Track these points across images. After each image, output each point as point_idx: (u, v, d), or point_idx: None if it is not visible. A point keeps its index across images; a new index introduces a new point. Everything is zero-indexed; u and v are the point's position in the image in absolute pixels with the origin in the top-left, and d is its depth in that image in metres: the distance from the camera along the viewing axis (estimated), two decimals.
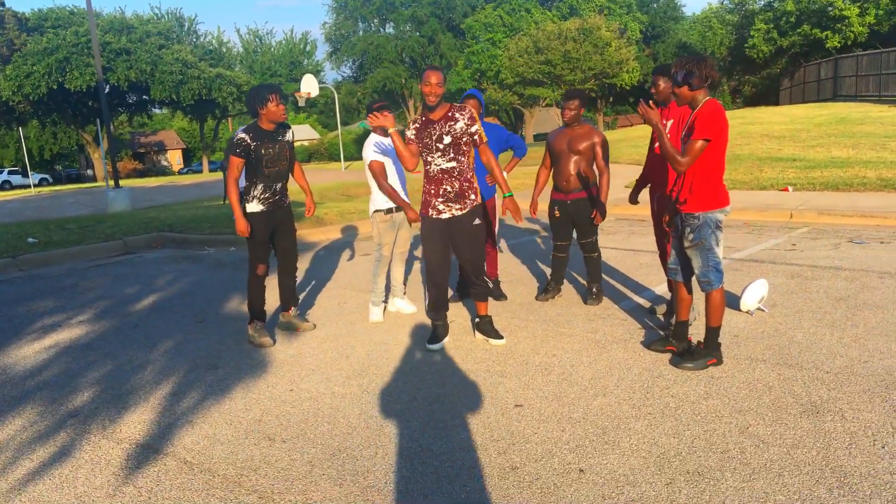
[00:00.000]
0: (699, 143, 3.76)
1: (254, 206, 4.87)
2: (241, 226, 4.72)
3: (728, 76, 48.78)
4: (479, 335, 4.84)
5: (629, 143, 22.28)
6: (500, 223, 6.48)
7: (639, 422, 3.40)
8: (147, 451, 3.38)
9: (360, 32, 48.53)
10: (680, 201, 4.01)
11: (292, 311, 5.30)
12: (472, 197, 4.54)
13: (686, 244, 4.03)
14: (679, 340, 4.29)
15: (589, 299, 5.55)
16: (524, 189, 13.40)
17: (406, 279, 5.91)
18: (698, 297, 5.12)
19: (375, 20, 48.37)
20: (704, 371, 4.00)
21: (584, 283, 5.62)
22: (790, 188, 11.18)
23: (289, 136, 4.94)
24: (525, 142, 5.86)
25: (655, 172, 4.93)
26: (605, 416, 3.48)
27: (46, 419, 3.84)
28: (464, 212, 4.52)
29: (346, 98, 52.39)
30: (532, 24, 39.16)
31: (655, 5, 51.29)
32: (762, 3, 40.35)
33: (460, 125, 4.40)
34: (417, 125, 4.52)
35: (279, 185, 4.92)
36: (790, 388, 3.68)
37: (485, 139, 4.47)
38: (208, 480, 3.05)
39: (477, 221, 4.56)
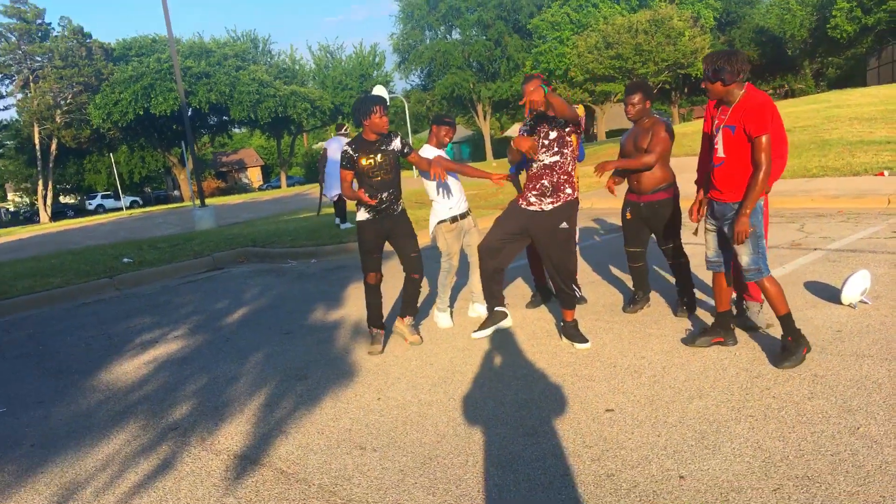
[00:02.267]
0: (765, 139, 3.72)
1: (361, 215, 4.92)
2: (365, 197, 4.70)
3: (810, 59, 46.70)
4: (563, 339, 4.76)
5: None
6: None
7: (740, 424, 3.25)
8: (245, 462, 3.46)
9: (427, 41, 48.93)
10: (728, 192, 3.92)
11: (407, 319, 5.19)
12: (569, 191, 4.52)
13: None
14: (725, 330, 4.26)
15: (679, 311, 5.11)
16: (596, 188, 13.15)
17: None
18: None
19: (442, 27, 48.66)
20: (807, 370, 3.79)
21: (676, 287, 5.19)
22: (886, 172, 10.54)
23: (395, 145, 4.86)
24: (583, 147, 5.64)
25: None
26: (702, 420, 3.34)
27: (148, 433, 4.00)
28: (555, 205, 4.50)
29: (416, 106, 52.97)
30: (601, 20, 38.51)
31: None
32: None
33: (561, 121, 4.43)
34: (526, 127, 4.59)
35: (385, 194, 4.84)
36: None
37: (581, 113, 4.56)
38: (304, 490, 3.10)
39: (564, 225, 4.50)
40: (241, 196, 41.13)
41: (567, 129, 4.44)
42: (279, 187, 51.89)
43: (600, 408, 3.63)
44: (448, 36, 49.49)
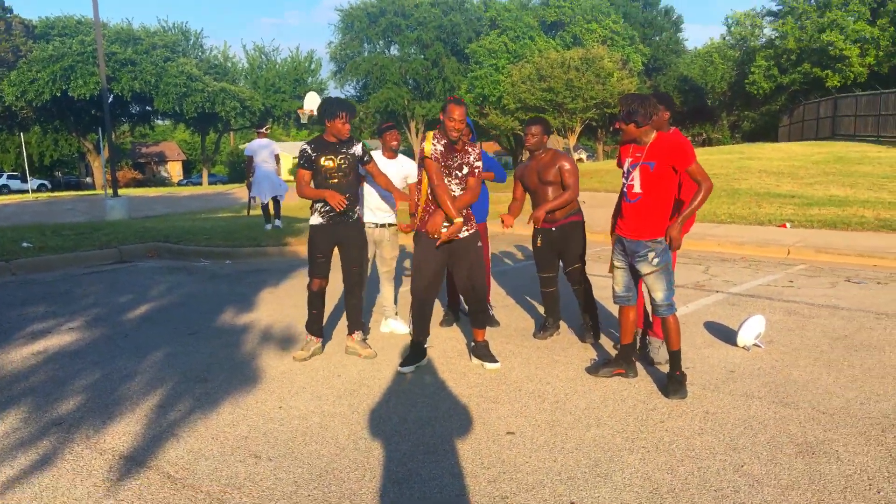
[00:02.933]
0: (695, 165, 3.96)
1: (315, 219, 4.83)
2: (328, 194, 4.57)
3: (728, 111, 49.20)
4: (474, 360, 4.79)
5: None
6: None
7: (632, 455, 3.34)
8: (130, 464, 3.31)
9: (366, 53, 48.80)
10: (643, 228, 4.08)
11: (356, 335, 5.05)
12: (473, 221, 4.64)
13: (649, 269, 4.09)
14: (627, 363, 4.43)
15: (586, 336, 5.26)
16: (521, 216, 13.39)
17: (396, 299, 5.85)
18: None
19: (381, 41, 48.61)
20: (699, 406, 3.95)
21: (579, 312, 5.37)
22: (788, 224, 11.20)
23: (355, 150, 4.80)
24: (503, 170, 5.79)
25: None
26: (598, 448, 3.43)
27: (30, 426, 3.77)
28: (470, 232, 4.57)
29: None
30: (536, 52, 39.47)
31: (658, 38, 51.82)
32: (763, 40, 40.81)
33: (472, 158, 4.57)
34: (441, 146, 4.50)
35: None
36: (786, 428, 3.63)
37: (476, 177, 4.60)
38: (191, 496, 2.98)
39: (479, 244, 4.59)
40: (159, 189, 39.67)
41: (472, 172, 4.56)
42: (200, 184, 50.33)
43: (501, 430, 3.66)
44: (387, 51, 49.54)
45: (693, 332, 5.50)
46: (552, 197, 5.06)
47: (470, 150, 4.56)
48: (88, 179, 53.87)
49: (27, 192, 37.12)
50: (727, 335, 5.37)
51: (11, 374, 4.68)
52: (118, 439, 3.59)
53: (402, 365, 4.66)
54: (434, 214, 4.49)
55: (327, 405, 4.04)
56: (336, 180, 4.74)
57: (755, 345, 5.05)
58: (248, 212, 14.83)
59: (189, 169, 68.40)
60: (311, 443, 3.53)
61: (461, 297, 5.91)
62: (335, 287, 5.73)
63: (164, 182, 59.93)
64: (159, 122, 56.90)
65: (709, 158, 24.00)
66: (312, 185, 4.78)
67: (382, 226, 5.36)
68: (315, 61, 54.05)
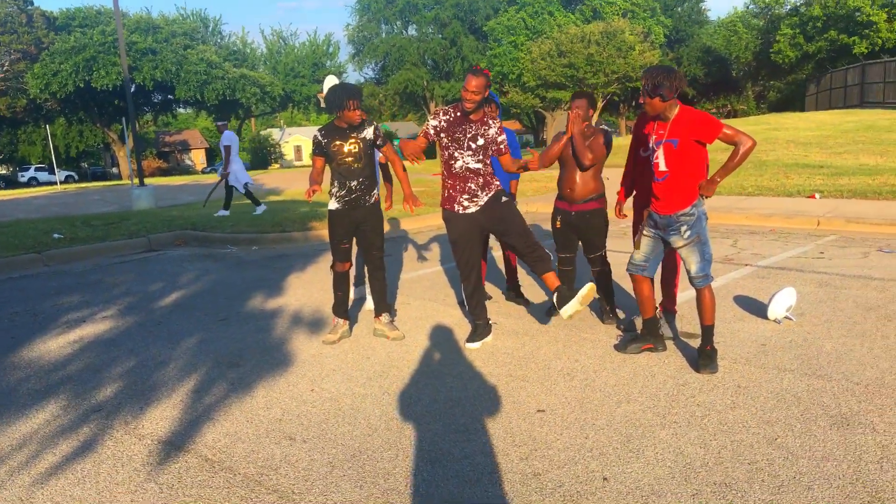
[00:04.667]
0: (727, 129, 3.87)
1: (332, 204, 4.87)
2: (309, 190, 4.55)
3: (753, 81, 48.31)
4: (566, 309, 4.37)
5: None
6: None
7: (664, 430, 3.34)
8: (169, 448, 3.38)
9: (383, 34, 48.61)
10: (673, 204, 4.04)
11: (383, 317, 5.09)
12: (494, 183, 4.62)
13: (682, 242, 4.05)
14: (655, 337, 4.41)
15: (605, 318, 5.21)
16: (543, 193, 13.33)
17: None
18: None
19: (398, 22, 48.38)
20: (731, 380, 3.94)
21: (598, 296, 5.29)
22: (817, 195, 11.02)
23: (366, 134, 4.77)
24: (519, 151, 5.75)
25: (644, 177, 4.74)
26: (629, 424, 3.43)
27: (70, 413, 3.86)
28: (490, 195, 4.57)
29: (368, 100, 52.51)
30: (555, 27, 39.00)
31: (680, 9, 50.86)
32: (788, 7, 39.96)
33: (493, 131, 4.53)
34: (450, 118, 4.48)
35: (355, 183, 4.77)
36: (819, 400, 3.60)
37: (507, 150, 4.55)
38: (229, 479, 3.05)
39: (505, 198, 4.59)
40: (184, 178, 40.04)
41: (492, 147, 4.54)
42: None
43: (532, 408, 3.68)
44: (404, 31, 49.29)
45: (723, 306, 5.46)
46: (578, 175, 4.93)
47: (491, 122, 4.51)
48: (114, 170, 54.56)
49: (55, 183, 37.72)
50: (758, 308, 5.32)
51: (50, 363, 4.79)
52: (156, 424, 3.67)
53: (468, 341, 4.74)
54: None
55: (358, 387, 4.09)
56: (348, 164, 4.76)
57: (786, 317, 5.00)
58: (205, 203, 14.58)
59: (212, 156, 68.95)
60: (343, 424, 3.58)
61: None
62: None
63: (188, 170, 60.48)
64: (181, 110, 57.41)
65: None
66: (328, 170, 4.86)
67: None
68: (333, 44, 54.04)
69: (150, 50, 39.37)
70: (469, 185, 4.51)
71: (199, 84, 40.76)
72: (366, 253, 4.98)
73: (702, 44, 48.86)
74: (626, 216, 5.07)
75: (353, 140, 4.73)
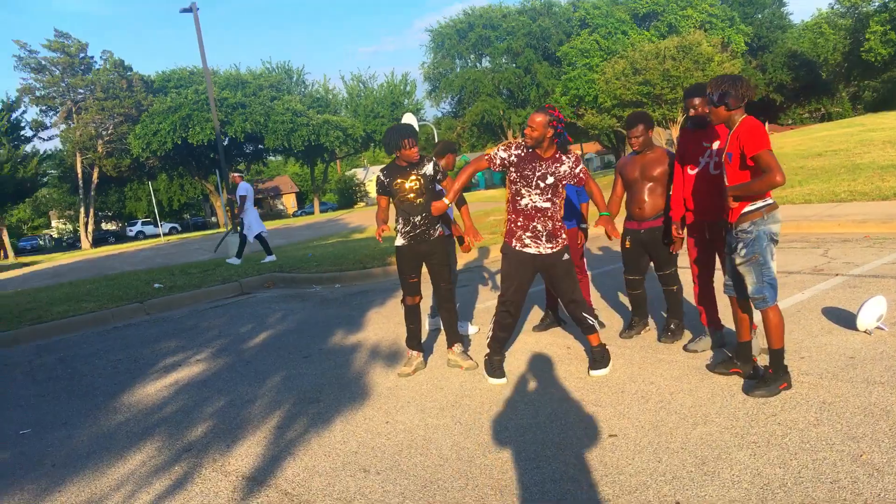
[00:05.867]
0: (767, 154, 3.67)
1: (398, 241, 5.03)
2: (378, 230, 4.85)
3: (845, 82, 46.08)
4: (597, 372, 4.58)
5: None
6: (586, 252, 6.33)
7: (742, 451, 3.24)
8: (252, 484, 3.54)
9: (458, 69, 49.48)
10: (731, 215, 3.92)
11: (456, 347, 5.14)
12: (563, 237, 4.56)
13: (739, 260, 3.89)
14: (744, 362, 4.15)
15: (663, 336, 5.10)
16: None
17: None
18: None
19: (472, 55, 49.17)
20: (815, 396, 3.76)
21: (688, 310, 5.18)
22: None
23: (427, 170, 4.90)
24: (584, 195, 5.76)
25: (697, 196, 4.63)
26: (705, 446, 3.34)
27: (164, 454, 4.11)
28: (555, 249, 4.51)
29: (446, 133, 53.38)
30: (629, 46, 38.56)
31: (760, 16, 49.29)
32: (876, 4, 38.00)
33: (565, 168, 4.46)
34: (521, 153, 4.45)
35: (418, 219, 4.89)
36: None
37: (588, 177, 4.53)
38: None
39: (566, 257, 4.54)
40: (275, 222, 41.73)
41: (564, 182, 4.49)
42: (313, 213, 52.58)
43: (604, 433, 3.64)
44: (478, 64, 49.98)
45: (809, 319, 5.23)
46: (647, 193, 4.95)
47: (564, 159, 4.45)
48: (213, 219, 57.51)
49: (159, 236, 40.07)
50: (847, 320, 5.06)
51: (147, 406, 5.11)
52: (241, 461, 3.85)
53: (492, 376, 4.69)
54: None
55: (431, 418, 4.16)
56: (411, 200, 4.88)
57: (878, 327, 4.73)
58: (217, 248, 14.82)
59: (302, 200, 71.63)
60: (415, 455, 3.64)
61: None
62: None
63: (280, 214, 63.01)
64: (271, 158, 60.05)
65: (827, 135, 22.60)
66: (390, 209, 5.03)
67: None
68: (410, 83, 55.32)
69: (239, 104, 41.61)
70: (535, 224, 4.46)
71: (286, 132, 42.64)
72: (434, 286, 5.08)
73: (787, 48, 47.10)
74: (681, 237, 4.91)
75: (413, 177, 4.86)
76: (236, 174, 13.45)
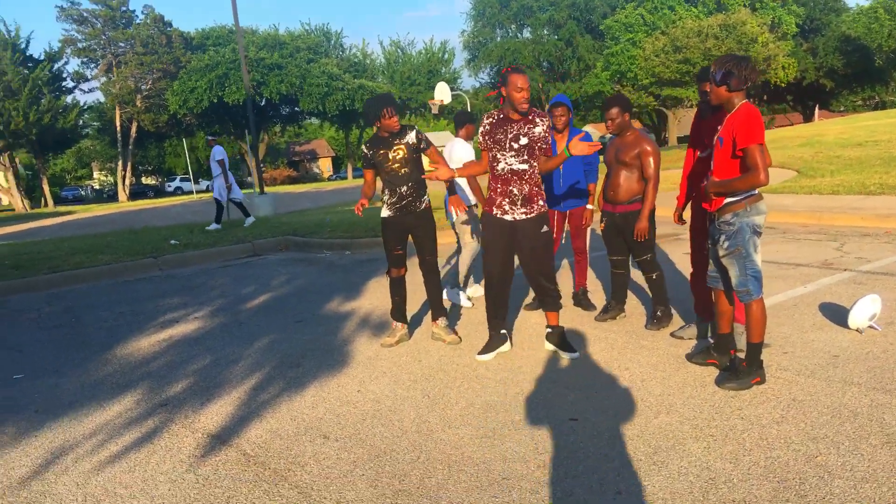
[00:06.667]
0: (756, 149, 3.54)
1: (384, 212, 5.03)
2: (357, 205, 4.84)
3: None
4: (548, 346, 4.73)
5: (778, 145, 20.86)
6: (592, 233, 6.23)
7: (697, 443, 3.20)
8: (215, 442, 3.62)
9: (498, 38, 48.86)
10: (714, 207, 3.82)
11: (440, 321, 5.14)
12: (540, 203, 4.43)
13: (722, 252, 3.80)
14: (721, 354, 4.09)
15: (650, 324, 5.09)
16: None
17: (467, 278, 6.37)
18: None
19: (513, 26, 48.54)
20: (787, 393, 3.69)
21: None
22: None
23: (409, 138, 4.85)
24: (596, 165, 5.62)
25: (698, 180, 4.52)
26: (661, 436, 3.31)
27: (140, 406, 4.21)
28: (530, 216, 4.41)
29: (484, 104, 52.92)
30: (673, 22, 37.57)
31: None
32: None
33: (538, 130, 4.34)
34: (492, 120, 4.38)
35: (405, 188, 4.88)
36: (879, 416, 3.31)
37: (550, 151, 4.42)
38: (259, 473, 3.22)
39: (544, 229, 4.45)
40: (306, 185, 42.11)
41: (538, 145, 4.35)
42: (346, 178, 52.86)
43: (565, 416, 3.63)
44: (519, 34, 49.31)
45: (804, 314, 5.11)
46: (621, 177, 4.90)
47: (538, 121, 4.33)
48: (249, 178, 58.15)
49: (192, 193, 40.68)
50: (842, 317, 4.93)
51: (137, 359, 5.23)
52: (210, 419, 3.93)
53: (479, 353, 4.69)
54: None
55: (402, 389, 4.19)
56: (395, 170, 4.86)
57: (870, 327, 4.61)
58: (227, 216, 14.27)
59: (338, 164, 71.95)
60: (377, 425, 3.68)
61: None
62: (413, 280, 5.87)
63: (315, 178, 63.43)
64: (307, 121, 60.27)
65: (872, 124, 21.89)
66: (378, 181, 5.05)
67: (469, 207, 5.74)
68: (448, 51, 54.83)
69: (276, 65, 41.71)
70: (511, 188, 4.37)
71: (321, 96, 42.70)
72: (420, 258, 5.06)
73: (840, 32, 45.42)
74: (684, 223, 4.84)
75: (397, 146, 4.83)
76: (210, 137, 13.46)
